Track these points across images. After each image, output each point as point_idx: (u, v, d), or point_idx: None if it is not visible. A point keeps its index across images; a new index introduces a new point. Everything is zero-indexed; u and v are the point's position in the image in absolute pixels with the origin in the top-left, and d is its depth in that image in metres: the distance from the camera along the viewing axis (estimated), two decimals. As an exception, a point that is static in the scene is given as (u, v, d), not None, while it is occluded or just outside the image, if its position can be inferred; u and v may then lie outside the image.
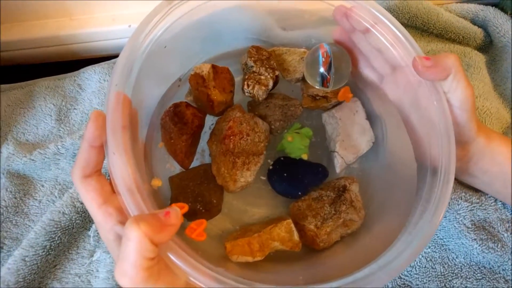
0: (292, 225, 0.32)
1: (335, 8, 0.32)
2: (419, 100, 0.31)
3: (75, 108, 0.44)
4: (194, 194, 0.32)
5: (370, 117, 0.37)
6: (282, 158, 0.36)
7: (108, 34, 0.47)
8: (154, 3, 0.39)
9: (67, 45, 0.47)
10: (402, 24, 0.49)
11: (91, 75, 0.45)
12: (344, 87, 0.35)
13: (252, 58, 0.35)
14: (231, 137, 0.33)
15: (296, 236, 0.32)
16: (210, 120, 0.36)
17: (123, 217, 0.24)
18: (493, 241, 0.35)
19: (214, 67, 0.34)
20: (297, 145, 0.34)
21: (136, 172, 0.24)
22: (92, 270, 0.35)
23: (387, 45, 0.31)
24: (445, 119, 0.29)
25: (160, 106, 0.35)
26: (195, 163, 0.35)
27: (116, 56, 0.47)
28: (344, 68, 0.34)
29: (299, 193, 0.35)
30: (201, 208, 0.32)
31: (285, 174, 0.35)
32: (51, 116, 0.43)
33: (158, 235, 0.21)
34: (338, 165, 0.36)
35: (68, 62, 0.49)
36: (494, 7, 0.49)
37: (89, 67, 0.46)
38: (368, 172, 0.37)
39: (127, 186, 0.23)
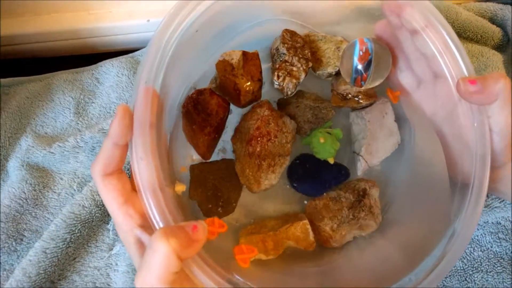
0: (309, 226, 0.31)
1: (385, 0, 0.28)
2: (456, 116, 0.28)
3: (93, 102, 0.44)
4: (213, 188, 0.31)
5: (399, 118, 0.36)
6: (303, 156, 0.35)
7: (126, 28, 0.46)
8: None
9: (85, 38, 0.47)
10: None
11: (109, 69, 0.45)
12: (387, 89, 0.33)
13: (286, 45, 0.32)
14: (258, 138, 0.31)
15: (311, 236, 0.31)
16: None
17: (144, 221, 0.23)
18: (505, 233, 0.34)
19: (244, 53, 0.31)
20: (327, 147, 0.33)
21: (161, 173, 0.23)
22: (111, 264, 0.34)
23: (435, 51, 0.28)
24: (483, 144, 0.27)
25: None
26: (215, 156, 0.34)
27: (134, 50, 0.47)
28: (382, 68, 0.31)
29: (318, 192, 0.34)
30: (217, 204, 0.31)
31: (306, 173, 0.34)
32: (69, 109, 0.43)
33: (186, 251, 0.21)
34: (361, 168, 0.35)
35: (86, 56, 0.48)
36: (513, 6, 0.48)
37: (107, 61, 0.45)
38: (389, 175, 0.36)
39: (151, 189, 0.22)
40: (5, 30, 0.44)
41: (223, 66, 0.31)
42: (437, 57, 0.28)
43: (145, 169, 0.22)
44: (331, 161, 0.34)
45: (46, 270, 0.33)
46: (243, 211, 0.34)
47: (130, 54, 0.46)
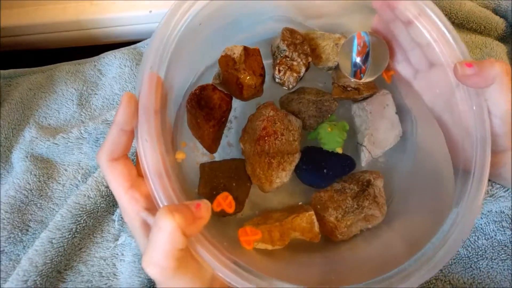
0: (314, 217, 0.31)
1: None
2: (455, 102, 0.29)
3: (95, 93, 0.43)
4: (222, 187, 0.32)
5: (400, 110, 0.36)
6: (309, 148, 0.35)
7: (128, 19, 0.46)
8: None
9: (87, 30, 0.46)
10: None
11: (111, 61, 0.44)
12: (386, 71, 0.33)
13: (286, 42, 0.33)
14: (266, 138, 0.32)
15: (316, 227, 0.31)
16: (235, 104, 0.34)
17: (149, 204, 0.23)
18: (509, 222, 0.34)
19: (245, 49, 0.32)
20: (335, 137, 0.33)
21: (166, 158, 0.23)
22: (117, 254, 0.34)
23: (430, 39, 0.28)
24: (483, 127, 0.27)
25: (190, 88, 0.34)
26: (223, 154, 0.34)
27: (136, 41, 0.46)
28: (381, 60, 0.32)
29: (325, 184, 0.34)
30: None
31: (311, 165, 0.34)
32: (72, 100, 0.42)
33: (190, 227, 0.21)
34: (365, 159, 0.35)
35: (88, 47, 0.47)
36: (516, -3, 0.48)
37: (110, 52, 0.45)
38: (393, 166, 0.36)
39: (157, 173, 0.23)
40: (6, 21, 0.44)
41: (226, 60, 0.32)
42: (432, 45, 0.28)
43: (150, 151, 0.23)
44: (340, 151, 0.34)
45: (53, 260, 0.33)
46: (248, 203, 0.34)
47: (133, 46, 0.45)
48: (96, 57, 0.45)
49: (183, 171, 0.34)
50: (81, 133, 0.39)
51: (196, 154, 0.36)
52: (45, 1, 0.45)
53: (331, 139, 0.33)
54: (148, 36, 0.47)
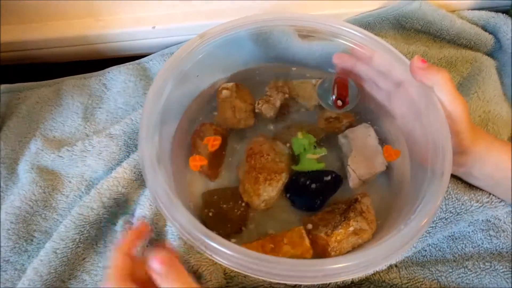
0: (304, 231, 0.33)
1: (334, 56, 0.38)
2: (420, 112, 0.33)
3: (100, 107, 0.44)
4: (218, 209, 0.35)
5: (383, 144, 0.38)
6: (297, 174, 0.37)
7: (132, 34, 0.47)
8: (176, 5, 0.45)
9: (93, 44, 0.47)
10: (416, 30, 0.50)
11: (116, 75, 0.45)
12: (387, 146, 0.38)
13: (269, 87, 0.41)
14: (253, 155, 0.36)
15: (307, 241, 0.32)
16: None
17: None
18: (495, 231, 0.35)
19: (237, 84, 0.40)
20: (302, 142, 0.37)
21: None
22: (120, 263, 0.35)
23: (388, 67, 0.35)
24: (442, 133, 0.31)
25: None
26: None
27: (140, 55, 0.47)
28: (353, 95, 0.38)
29: (317, 202, 0.35)
30: (225, 225, 0.34)
31: (301, 188, 0.35)
32: (77, 113, 0.43)
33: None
34: (351, 178, 0.36)
35: (94, 61, 0.48)
36: (504, 14, 0.49)
37: (115, 67, 0.46)
38: (382, 194, 0.37)
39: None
40: (15, 36, 0.45)
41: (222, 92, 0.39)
42: (390, 71, 0.35)
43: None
44: (321, 166, 0.37)
45: (57, 270, 0.33)
46: (248, 231, 0.35)
47: (137, 61, 0.46)
48: (101, 72, 0.46)
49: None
50: (85, 146, 0.40)
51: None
52: (52, 17, 0.46)
53: (298, 143, 0.37)
54: (151, 50, 0.48)
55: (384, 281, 0.33)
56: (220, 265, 0.32)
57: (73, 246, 0.34)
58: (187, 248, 0.33)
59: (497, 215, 0.35)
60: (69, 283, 0.34)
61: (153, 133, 0.33)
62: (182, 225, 0.28)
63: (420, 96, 0.34)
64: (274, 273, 0.25)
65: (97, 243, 0.36)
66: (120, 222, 0.36)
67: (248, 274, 0.25)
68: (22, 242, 0.36)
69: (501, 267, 0.33)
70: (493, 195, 0.36)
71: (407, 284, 0.33)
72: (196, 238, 0.27)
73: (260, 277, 0.26)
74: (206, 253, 0.27)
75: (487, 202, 0.36)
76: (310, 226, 0.34)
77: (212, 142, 0.37)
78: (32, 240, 0.36)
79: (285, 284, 0.32)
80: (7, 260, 0.35)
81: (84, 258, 0.35)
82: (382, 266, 0.34)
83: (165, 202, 0.29)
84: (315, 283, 0.31)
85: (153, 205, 0.35)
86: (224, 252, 0.26)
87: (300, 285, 0.32)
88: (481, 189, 0.37)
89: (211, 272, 0.32)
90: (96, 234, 0.36)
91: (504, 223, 0.35)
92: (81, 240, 0.35)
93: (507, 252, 0.35)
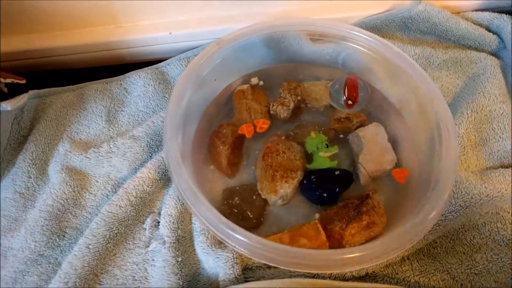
0: (319, 225, 0.34)
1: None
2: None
3: (122, 110, 0.46)
4: (237, 205, 0.37)
5: (392, 141, 0.40)
6: (310, 172, 0.38)
7: (151, 40, 0.48)
8: (191, 12, 0.48)
9: (114, 50, 0.49)
10: (422, 32, 0.51)
11: (136, 80, 0.47)
12: (399, 170, 0.39)
13: (283, 88, 0.42)
14: (269, 154, 0.38)
15: (323, 235, 0.34)
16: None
17: None
18: (503, 223, 0.36)
19: (252, 86, 0.42)
20: (314, 141, 0.39)
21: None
22: (148, 259, 0.37)
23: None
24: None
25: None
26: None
27: (158, 60, 0.49)
28: (364, 95, 0.41)
29: (330, 198, 0.37)
30: (240, 217, 0.36)
31: (315, 184, 0.37)
32: (101, 117, 0.45)
33: None
34: (361, 175, 0.38)
35: (114, 66, 0.50)
36: (507, 15, 0.50)
37: (134, 72, 0.47)
38: (392, 190, 0.39)
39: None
40: (42, 43, 0.47)
41: (238, 94, 0.42)
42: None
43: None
44: (334, 164, 0.38)
45: (90, 264, 0.35)
46: (267, 225, 0.37)
47: (155, 66, 0.48)
48: (121, 76, 0.48)
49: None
50: (110, 147, 0.42)
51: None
52: (76, 25, 0.48)
53: (311, 142, 0.39)
54: (169, 55, 0.50)
55: (397, 273, 0.35)
56: (241, 261, 0.34)
57: (104, 242, 0.36)
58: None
59: (506, 208, 0.37)
60: (102, 277, 0.36)
61: (177, 134, 0.35)
62: (207, 218, 0.30)
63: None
64: (296, 263, 0.27)
65: (126, 239, 0.38)
66: (148, 220, 0.38)
67: (272, 265, 0.27)
68: (55, 238, 0.38)
69: (509, 259, 0.34)
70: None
71: (419, 276, 0.35)
72: (220, 230, 0.29)
73: (283, 267, 0.28)
74: (229, 245, 0.29)
75: (497, 196, 0.37)
76: (325, 220, 0.35)
77: (261, 125, 0.40)
78: (64, 236, 0.38)
79: (304, 275, 0.33)
80: (41, 254, 0.37)
81: (115, 254, 0.37)
82: (395, 256, 0.35)
83: (190, 197, 0.31)
84: (335, 271, 0.33)
85: (178, 204, 0.37)
86: (247, 243, 0.28)
87: (319, 275, 0.34)
88: (490, 182, 0.38)
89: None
90: (125, 231, 0.38)
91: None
92: (111, 237, 0.37)
93: None
